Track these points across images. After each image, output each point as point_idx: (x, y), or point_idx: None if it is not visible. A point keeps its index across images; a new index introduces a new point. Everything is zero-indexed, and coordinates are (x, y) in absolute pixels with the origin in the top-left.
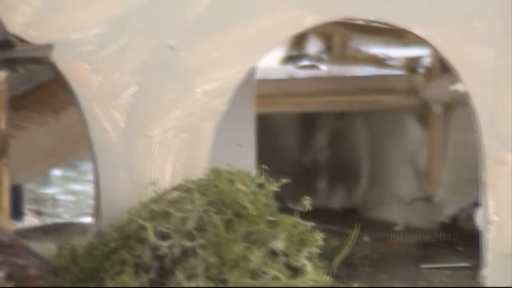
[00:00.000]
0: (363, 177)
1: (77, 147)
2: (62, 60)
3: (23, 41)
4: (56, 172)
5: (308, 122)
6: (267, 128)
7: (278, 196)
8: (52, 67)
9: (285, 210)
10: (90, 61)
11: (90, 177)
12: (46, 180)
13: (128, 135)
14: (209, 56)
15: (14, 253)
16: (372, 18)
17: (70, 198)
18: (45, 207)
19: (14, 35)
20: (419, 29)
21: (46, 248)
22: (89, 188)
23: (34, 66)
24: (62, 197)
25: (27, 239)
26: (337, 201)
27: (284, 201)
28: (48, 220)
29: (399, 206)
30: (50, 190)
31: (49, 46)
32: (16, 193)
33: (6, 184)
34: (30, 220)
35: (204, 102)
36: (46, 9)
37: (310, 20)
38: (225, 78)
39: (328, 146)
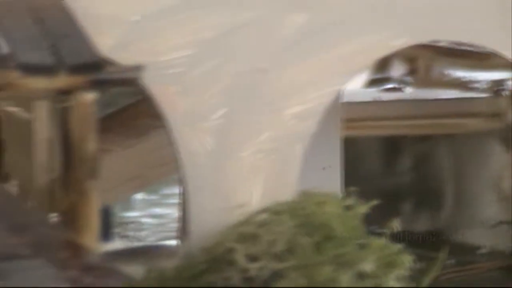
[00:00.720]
0: (447, 200)
1: (163, 170)
2: (150, 82)
3: (112, 63)
4: (139, 196)
5: (392, 145)
6: (351, 152)
7: (363, 219)
8: (141, 89)
9: (370, 233)
10: (178, 83)
11: (173, 200)
12: (129, 204)
13: (216, 157)
14: (298, 78)
15: (102, 274)
16: (460, 40)
17: (154, 221)
18: (129, 230)
19: (103, 57)
20: (505, 51)
21: (134, 270)
22: (172, 211)
23: (120, 88)
24: (145, 220)
25: (115, 261)
26: (421, 225)
27: (369, 225)
28: (133, 243)
29: (484, 230)
30: (133, 214)
31: (138, 68)
32: (105, 215)
33: (96, 206)
34: (117, 243)
35: (292, 125)
36: (135, 31)
37: (398, 43)
38: (314, 100)
39: (412, 170)
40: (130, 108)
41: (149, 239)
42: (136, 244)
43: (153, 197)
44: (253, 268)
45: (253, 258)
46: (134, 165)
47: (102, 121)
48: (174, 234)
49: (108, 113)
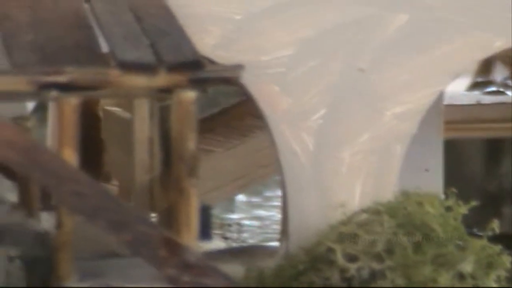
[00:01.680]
0: None
1: (264, 171)
2: (251, 82)
3: (212, 62)
4: (241, 198)
5: (494, 148)
6: (452, 154)
7: (463, 221)
8: (241, 89)
9: (471, 235)
10: (279, 83)
11: (275, 202)
12: (231, 206)
13: (317, 157)
14: (399, 79)
15: (201, 273)
16: None
17: (255, 223)
18: (231, 232)
19: (204, 56)
20: None
21: (233, 270)
22: (274, 214)
23: (221, 88)
24: (247, 222)
25: (215, 261)
26: None
27: (469, 227)
28: (234, 245)
29: None
30: (235, 216)
31: (238, 67)
32: (205, 215)
33: (195, 204)
34: (217, 243)
35: (393, 125)
36: (236, 31)
37: (499, 44)
38: (415, 101)
39: None
40: (234, 109)
41: (250, 241)
42: (237, 244)
43: (256, 199)
44: (352, 268)
45: (352, 258)
46: (236, 165)
47: (206, 121)
48: (275, 236)
49: (211, 114)
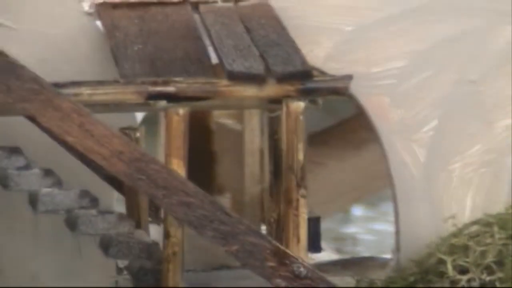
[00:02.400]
0: None
1: (377, 183)
2: (361, 94)
3: (323, 73)
4: (357, 212)
5: None
6: None
7: None
8: (351, 99)
9: None
10: (390, 95)
11: (392, 217)
12: (346, 219)
13: (428, 169)
14: (510, 90)
15: (310, 284)
16: None
17: (371, 237)
18: (345, 245)
19: (314, 68)
20: None
21: (344, 281)
22: (390, 228)
23: (335, 102)
24: (362, 236)
25: (325, 272)
26: None
27: None
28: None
29: None
30: (350, 229)
31: (348, 77)
32: (315, 226)
33: (304, 215)
34: (327, 254)
35: (504, 137)
36: (347, 42)
37: None
38: None
39: None
40: (349, 122)
41: (364, 254)
42: (346, 256)
43: (372, 213)
44: (463, 279)
45: (463, 270)
46: (350, 178)
47: (319, 135)
48: (389, 250)
49: (325, 127)
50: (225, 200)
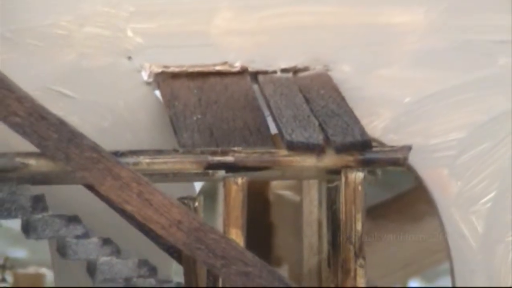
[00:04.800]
0: None
1: (435, 257)
2: (420, 165)
3: (382, 144)
4: (414, 286)
5: None
6: None
7: None
8: (410, 171)
9: None
10: (449, 166)
11: None
12: None
13: (486, 241)
14: None
15: None
16: None
17: None
18: None
19: (373, 139)
20: None
21: None
22: None
23: (393, 175)
24: None
25: None
26: None
27: None
28: None
29: None
30: None
31: (407, 148)
32: None
33: (362, 285)
34: None
35: None
36: (406, 113)
37: None
38: None
39: None
40: (407, 195)
41: None
42: None
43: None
44: None
45: None
46: (407, 252)
47: (378, 208)
48: None
49: (383, 201)
50: (282, 272)
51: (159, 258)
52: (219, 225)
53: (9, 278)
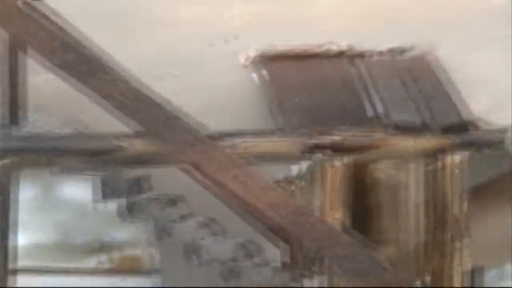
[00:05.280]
0: None
1: None
2: None
3: (479, 126)
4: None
5: None
6: None
7: None
8: (507, 152)
9: None
10: None
11: None
12: (501, 275)
13: None
14: None
15: None
16: None
17: None
18: None
19: (470, 119)
20: None
21: None
22: None
23: (491, 157)
24: None
25: None
26: None
27: None
28: None
29: None
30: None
31: (503, 130)
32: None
33: (461, 269)
34: None
35: None
36: (503, 95)
37: None
38: None
39: None
40: (506, 177)
41: None
42: None
43: None
44: None
45: None
46: (507, 234)
47: (476, 190)
48: None
49: (482, 182)
50: (382, 254)
51: (261, 240)
52: (318, 207)
53: (108, 260)
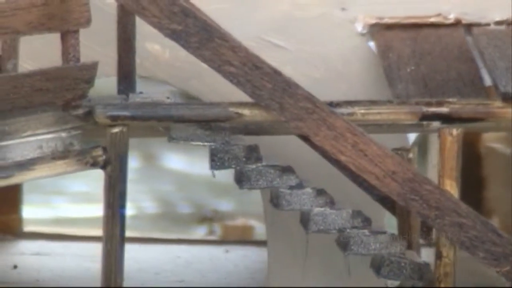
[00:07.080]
0: None
1: None
2: None
3: None
4: None
5: None
6: None
7: None
8: None
9: None
10: None
11: None
12: None
13: None
14: None
15: None
16: None
17: None
18: None
19: None
20: None
21: None
22: None
23: None
24: None
25: None
26: None
27: None
28: None
29: None
30: None
31: None
32: None
33: None
34: None
35: None
36: None
37: None
38: None
39: None
40: None
41: None
42: None
43: None
44: None
45: None
46: None
47: None
48: None
49: None
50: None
51: (372, 208)
52: (432, 176)
53: (218, 230)
